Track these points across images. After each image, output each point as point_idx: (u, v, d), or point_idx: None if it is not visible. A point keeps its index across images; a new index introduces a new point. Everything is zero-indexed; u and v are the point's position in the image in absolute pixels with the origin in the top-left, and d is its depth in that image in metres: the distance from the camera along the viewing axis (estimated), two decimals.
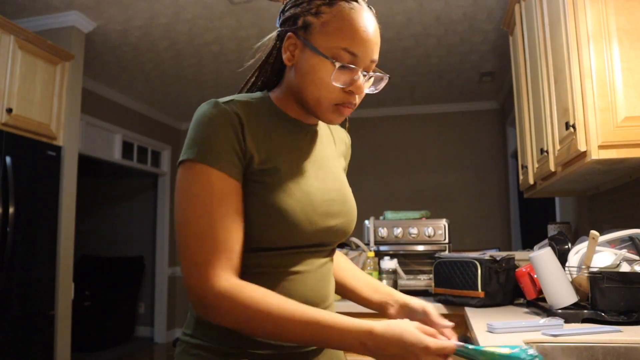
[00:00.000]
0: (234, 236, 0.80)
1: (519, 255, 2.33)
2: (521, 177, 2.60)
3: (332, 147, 1.03)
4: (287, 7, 0.89)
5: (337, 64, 0.83)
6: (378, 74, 0.90)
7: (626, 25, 1.52)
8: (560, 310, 1.52)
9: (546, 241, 2.11)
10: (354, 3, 0.86)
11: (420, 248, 2.48)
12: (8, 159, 2.78)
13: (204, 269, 0.76)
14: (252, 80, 0.96)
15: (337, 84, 0.84)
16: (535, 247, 2.20)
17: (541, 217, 3.67)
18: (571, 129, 1.59)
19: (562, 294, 1.55)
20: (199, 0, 3.24)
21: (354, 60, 0.84)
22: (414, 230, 2.47)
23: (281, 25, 0.90)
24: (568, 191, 2.51)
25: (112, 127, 5.06)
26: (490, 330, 1.40)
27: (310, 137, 0.96)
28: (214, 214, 0.78)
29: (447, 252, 2.44)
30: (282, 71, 0.93)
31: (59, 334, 3.18)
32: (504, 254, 2.14)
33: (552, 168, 1.92)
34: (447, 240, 2.46)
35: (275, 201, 0.83)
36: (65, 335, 3.25)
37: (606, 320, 1.41)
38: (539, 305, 1.76)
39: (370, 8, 0.89)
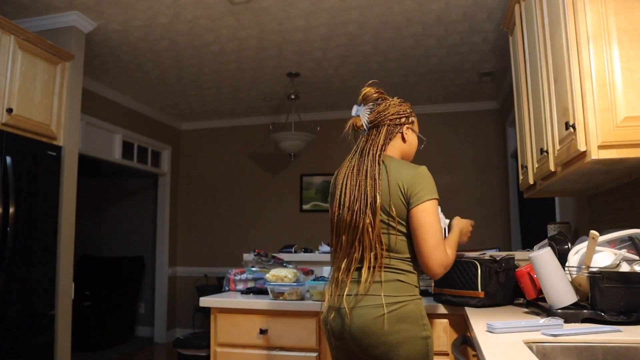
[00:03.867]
0: None
1: (519, 255, 2.33)
2: (521, 177, 2.60)
3: None
4: (399, 112, 1.72)
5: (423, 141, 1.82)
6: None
7: (626, 25, 1.53)
8: (560, 310, 1.52)
9: (546, 241, 2.11)
10: None
11: None
12: (8, 159, 2.79)
13: (445, 253, 1.57)
14: (385, 147, 1.71)
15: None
16: (535, 247, 2.20)
17: (541, 217, 3.67)
18: (571, 129, 1.59)
19: (562, 293, 1.55)
20: (199, 0, 3.24)
21: None
22: None
23: (392, 120, 1.71)
24: (568, 191, 2.51)
25: (112, 127, 5.06)
26: (490, 330, 1.40)
27: None
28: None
29: None
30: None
31: (59, 334, 3.18)
32: (504, 254, 2.14)
33: (552, 168, 1.92)
34: None
35: None
36: (65, 335, 3.26)
37: (606, 320, 1.41)
38: (539, 305, 1.76)
39: None
